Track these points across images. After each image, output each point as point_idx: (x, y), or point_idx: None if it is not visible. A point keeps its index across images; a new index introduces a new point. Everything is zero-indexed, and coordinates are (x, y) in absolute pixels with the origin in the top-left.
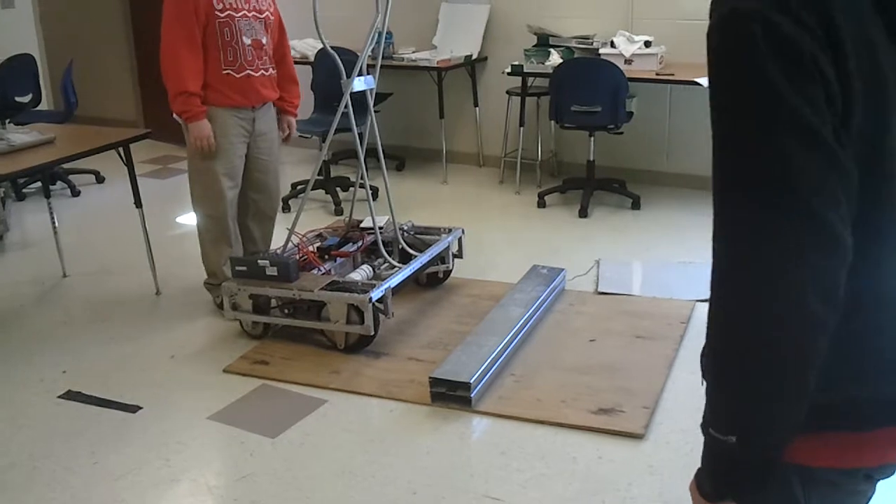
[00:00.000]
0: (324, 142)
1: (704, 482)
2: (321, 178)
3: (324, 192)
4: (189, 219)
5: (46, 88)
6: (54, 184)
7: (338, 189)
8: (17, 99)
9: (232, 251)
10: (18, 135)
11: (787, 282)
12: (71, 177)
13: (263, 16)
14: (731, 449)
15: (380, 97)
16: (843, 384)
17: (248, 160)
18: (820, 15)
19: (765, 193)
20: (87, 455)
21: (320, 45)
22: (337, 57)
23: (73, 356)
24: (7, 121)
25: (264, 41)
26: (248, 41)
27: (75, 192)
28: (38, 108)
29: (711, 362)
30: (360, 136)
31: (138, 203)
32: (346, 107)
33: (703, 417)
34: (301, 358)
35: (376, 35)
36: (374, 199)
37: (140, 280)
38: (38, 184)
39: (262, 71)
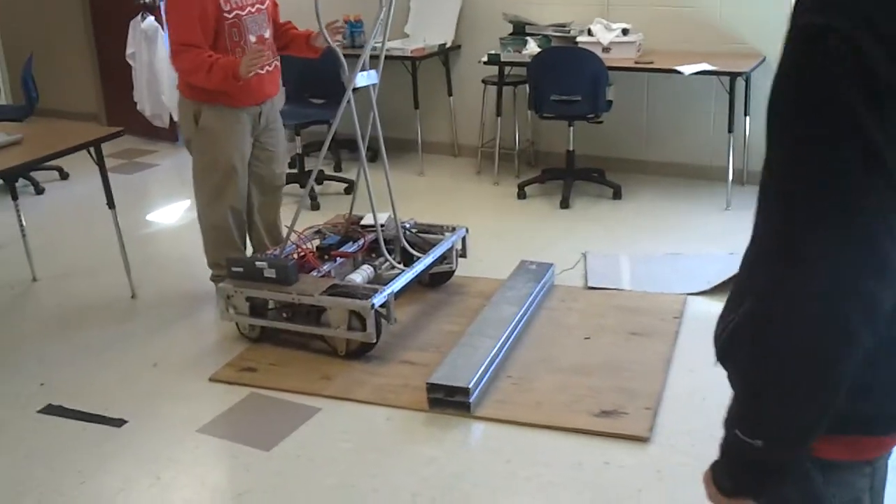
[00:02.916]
0: (297, 135)
1: (723, 478)
2: (295, 171)
3: (298, 185)
4: (159, 216)
5: (5, 83)
6: (16, 181)
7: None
8: None
9: (238, 240)
10: None
11: (837, 305)
12: (33, 173)
13: (265, 6)
14: (757, 452)
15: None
16: (855, 399)
17: (253, 151)
18: None
19: (828, 214)
20: (74, 475)
21: None
22: (339, 52)
23: (49, 367)
24: None
25: (267, 35)
26: (253, 39)
27: (39, 190)
28: None
29: (747, 367)
30: (337, 128)
31: (111, 204)
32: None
33: (729, 416)
34: (289, 363)
35: (380, 28)
36: (348, 193)
37: (114, 282)
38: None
39: (268, 67)
